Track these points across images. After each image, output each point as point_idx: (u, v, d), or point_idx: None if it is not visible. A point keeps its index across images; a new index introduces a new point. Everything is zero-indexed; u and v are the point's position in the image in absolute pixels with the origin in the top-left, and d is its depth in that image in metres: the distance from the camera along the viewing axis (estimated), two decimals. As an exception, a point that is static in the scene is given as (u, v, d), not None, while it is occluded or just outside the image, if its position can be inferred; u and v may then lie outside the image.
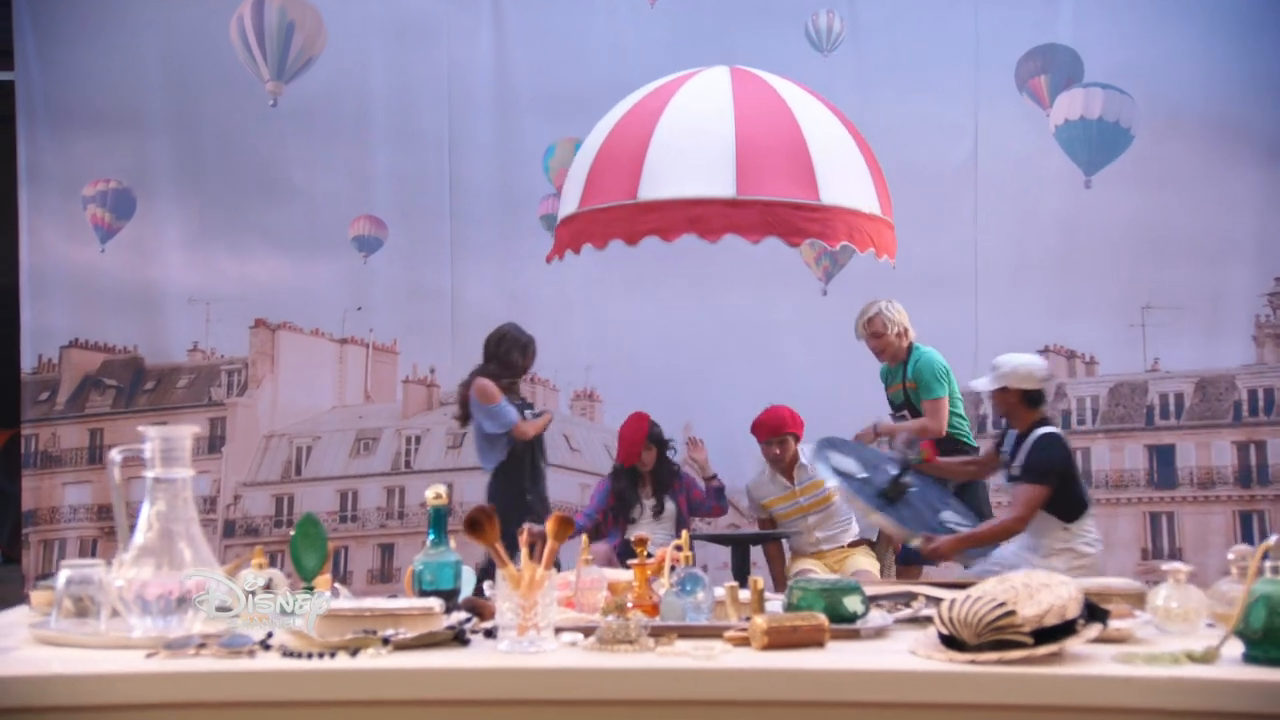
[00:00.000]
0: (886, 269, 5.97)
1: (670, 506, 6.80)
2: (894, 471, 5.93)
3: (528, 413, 6.92)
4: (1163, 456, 8.39)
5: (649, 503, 6.80)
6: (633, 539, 3.22)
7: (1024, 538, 5.49)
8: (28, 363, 8.76)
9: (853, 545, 6.61)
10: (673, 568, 3.20)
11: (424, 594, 3.16)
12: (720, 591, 3.11)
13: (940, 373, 6.58)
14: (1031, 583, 2.81)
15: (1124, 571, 8.15)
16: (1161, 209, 8.40)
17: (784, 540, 6.77)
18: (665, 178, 5.54)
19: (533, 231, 8.59)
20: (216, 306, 8.72)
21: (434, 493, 3.27)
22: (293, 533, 3.26)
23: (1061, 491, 5.39)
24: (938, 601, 3.12)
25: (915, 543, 5.69)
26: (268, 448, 8.73)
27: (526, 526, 3.16)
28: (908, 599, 3.30)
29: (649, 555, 3.21)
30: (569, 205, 5.92)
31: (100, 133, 8.70)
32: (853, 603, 3.00)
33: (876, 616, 3.07)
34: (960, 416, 6.64)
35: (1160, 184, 8.42)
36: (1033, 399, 5.59)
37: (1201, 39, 8.43)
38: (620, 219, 5.62)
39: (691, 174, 5.52)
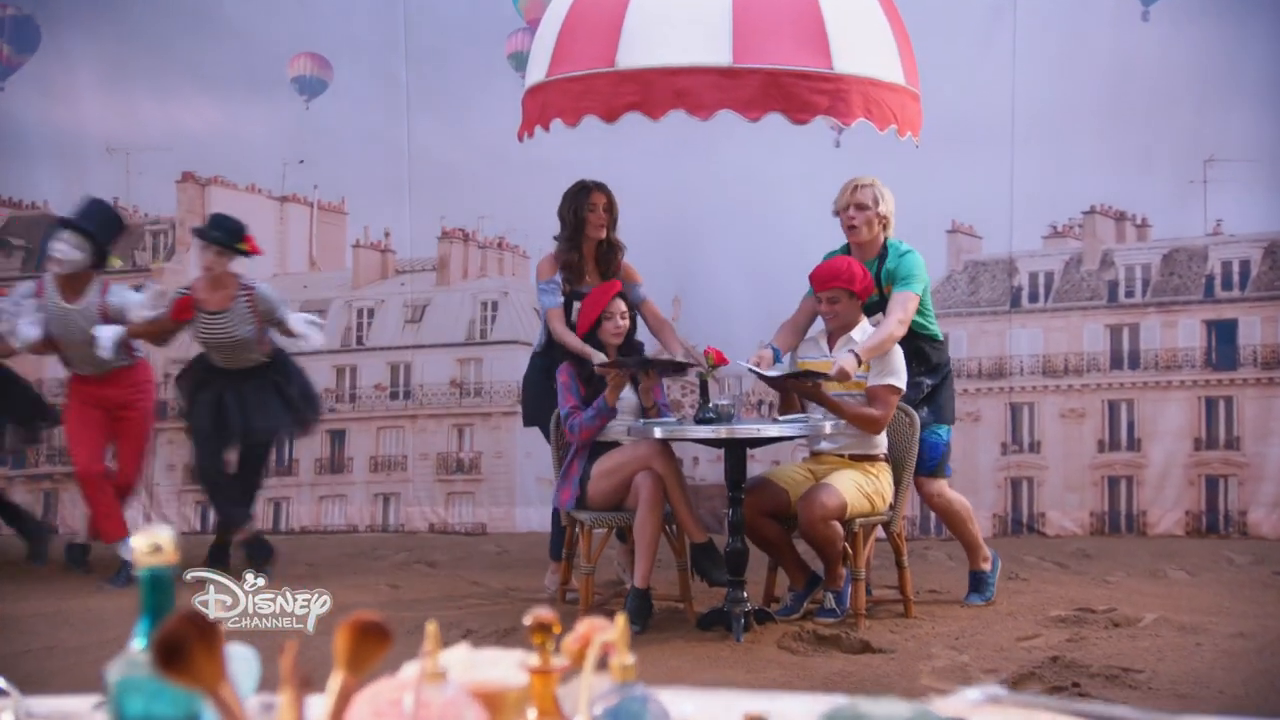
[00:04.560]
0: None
1: (633, 398, 5.22)
2: None
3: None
4: (1223, 333, 6.88)
5: (623, 392, 5.19)
6: (527, 621, 1.63)
7: None
8: (-79, 218, 7.45)
9: (856, 458, 5.08)
10: (602, 662, 1.63)
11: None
12: (689, 711, 1.56)
13: (923, 270, 5.33)
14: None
15: (1171, 462, 6.74)
16: (1230, 44, 6.85)
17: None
18: (648, 42, 4.75)
19: (500, 72, 7.11)
20: (138, 157, 7.28)
21: (148, 544, 1.60)
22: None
23: None
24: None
25: None
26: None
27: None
28: None
29: (554, 641, 1.64)
30: (536, 73, 5.07)
31: (-7, -50, 7.17)
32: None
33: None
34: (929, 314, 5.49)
35: (1230, 14, 6.88)
36: None
37: None
38: (595, 91, 4.83)
39: (680, 37, 4.75)
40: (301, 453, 7.26)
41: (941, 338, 5.47)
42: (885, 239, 5.29)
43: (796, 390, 5.04)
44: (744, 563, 4.79)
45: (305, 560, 6.45)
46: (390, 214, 7.25)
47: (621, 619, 1.59)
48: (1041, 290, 6.97)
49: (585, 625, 1.63)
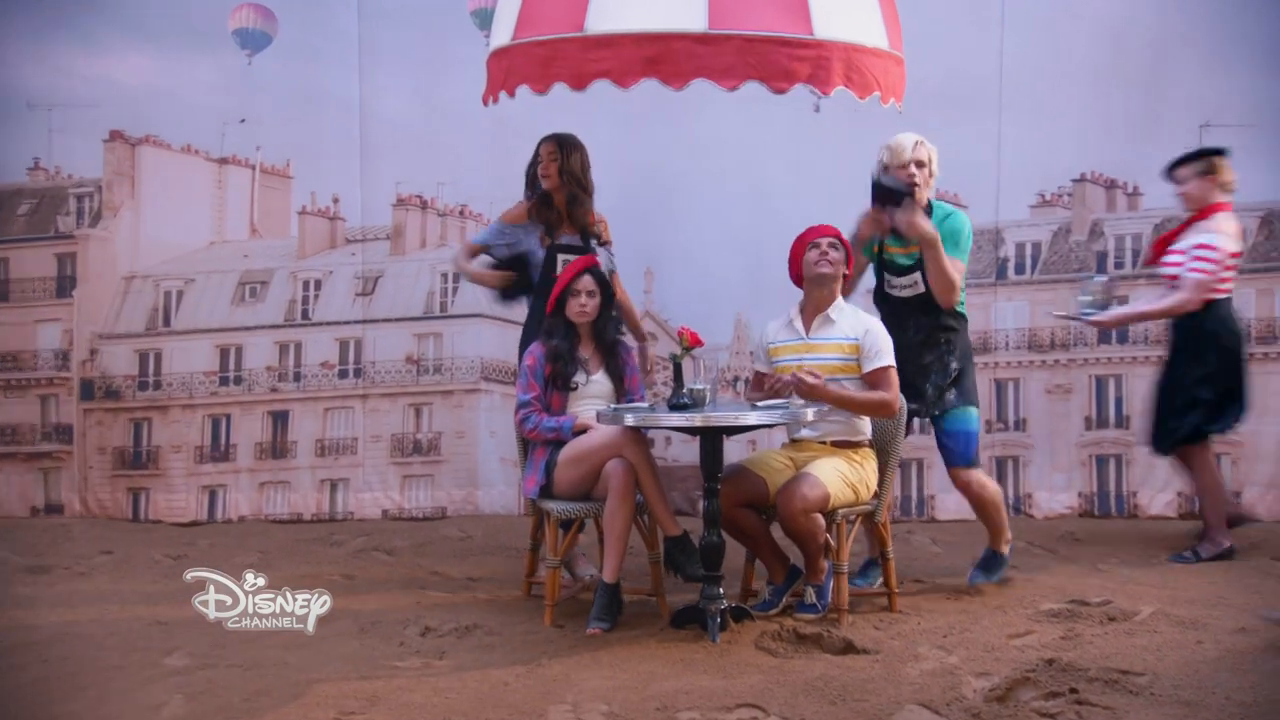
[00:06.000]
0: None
1: (605, 383, 5.07)
2: None
3: (561, 258, 5.37)
4: (1215, 307, 6.69)
5: (595, 375, 4.98)
6: None
7: None
8: None
9: (839, 445, 4.92)
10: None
11: None
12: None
13: (971, 234, 5.27)
14: None
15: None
16: (1229, 5, 6.69)
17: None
18: (620, 5, 4.65)
19: (462, 29, 6.86)
20: (62, 114, 6.97)
21: None
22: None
23: None
24: None
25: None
26: (128, 291, 7.05)
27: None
28: None
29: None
30: (501, 35, 4.95)
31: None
32: None
33: None
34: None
35: (1228, -27, 6.74)
36: None
37: None
38: (563, 57, 4.70)
39: (653, 1, 4.64)
40: (239, 436, 6.98)
41: (966, 315, 5.33)
42: (929, 198, 5.21)
43: (801, 396, 4.83)
44: (720, 557, 4.62)
45: (256, 547, 6.24)
46: (339, 178, 6.96)
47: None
48: (1029, 261, 6.82)
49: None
